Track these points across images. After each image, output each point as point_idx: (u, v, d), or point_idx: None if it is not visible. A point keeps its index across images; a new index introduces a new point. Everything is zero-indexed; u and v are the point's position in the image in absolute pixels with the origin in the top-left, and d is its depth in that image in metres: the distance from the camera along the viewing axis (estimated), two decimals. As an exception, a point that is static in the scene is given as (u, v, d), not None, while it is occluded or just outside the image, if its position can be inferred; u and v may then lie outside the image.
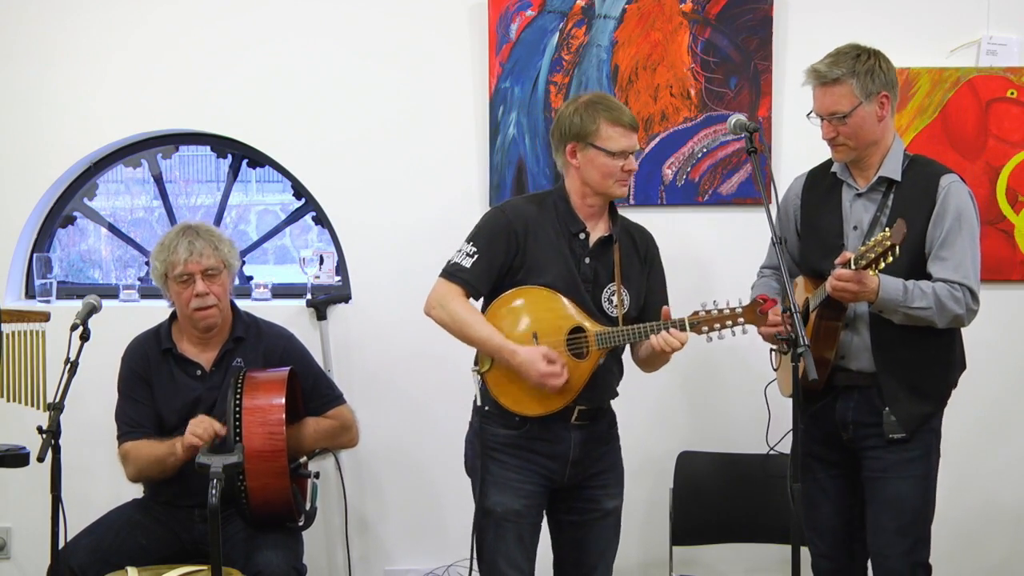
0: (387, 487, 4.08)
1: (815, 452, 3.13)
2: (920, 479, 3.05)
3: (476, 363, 3.09)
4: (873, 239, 2.82)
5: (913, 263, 2.96)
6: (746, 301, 3.01)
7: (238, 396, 3.23)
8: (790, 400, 2.84)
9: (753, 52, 3.91)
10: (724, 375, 4.01)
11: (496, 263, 3.03)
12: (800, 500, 2.75)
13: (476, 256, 3.01)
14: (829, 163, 3.19)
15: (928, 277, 2.98)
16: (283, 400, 3.24)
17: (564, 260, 3.05)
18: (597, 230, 3.11)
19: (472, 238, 3.05)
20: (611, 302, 3.09)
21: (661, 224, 3.98)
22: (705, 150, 3.96)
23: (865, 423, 3.05)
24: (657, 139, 3.96)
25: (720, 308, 3.03)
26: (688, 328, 3.01)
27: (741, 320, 3.05)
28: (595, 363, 3.04)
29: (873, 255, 2.77)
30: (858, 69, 2.99)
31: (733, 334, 3.06)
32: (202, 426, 3.25)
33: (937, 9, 3.91)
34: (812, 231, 3.18)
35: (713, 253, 3.99)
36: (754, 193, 3.93)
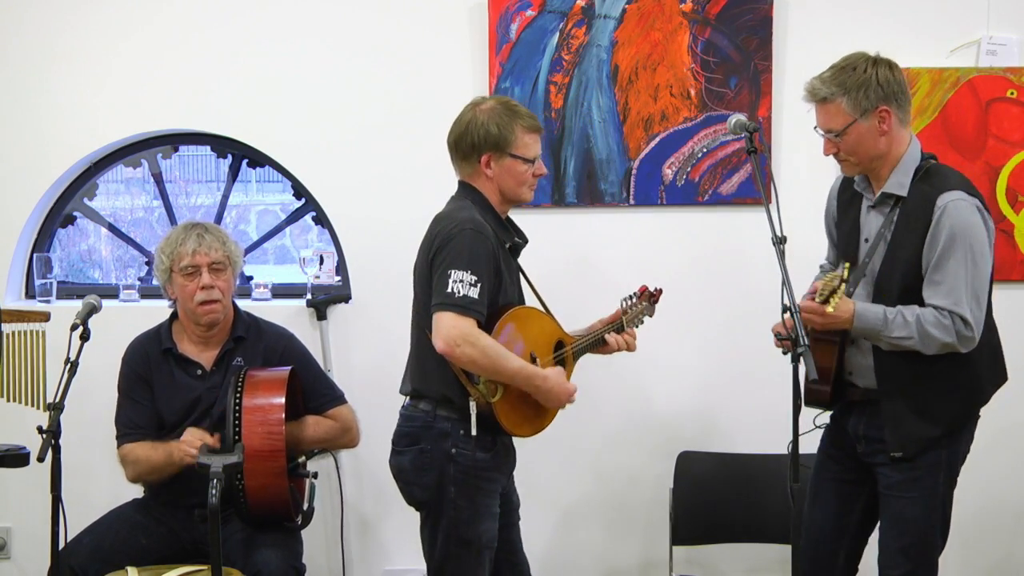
0: (387, 487, 4.05)
1: (832, 453, 3.11)
2: (923, 500, 2.94)
3: (468, 393, 2.89)
4: (828, 275, 2.88)
5: (908, 285, 2.89)
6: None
7: (238, 395, 3.23)
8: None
9: (753, 52, 3.91)
10: (724, 375, 4.00)
11: (490, 287, 2.89)
12: (800, 500, 2.75)
13: (479, 285, 2.83)
14: None
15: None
16: (283, 400, 3.24)
17: (513, 273, 3.05)
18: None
19: (468, 266, 2.83)
20: None
21: (661, 224, 4.01)
22: (705, 150, 3.96)
23: (874, 438, 2.97)
24: (657, 139, 3.96)
25: (633, 303, 3.30)
26: (625, 327, 3.25)
27: (647, 313, 3.35)
28: (570, 374, 3.09)
29: (828, 291, 2.79)
30: (849, 85, 2.87)
31: (638, 326, 3.31)
32: (195, 436, 3.29)
33: (937, 9, 3.90)
34: (838, 237, 3.14)
35: (713, 253, 3.99)
36: (754, 193, 3.93)
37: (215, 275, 3.41)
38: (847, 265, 2.86)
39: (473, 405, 2.87)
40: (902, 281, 2.89)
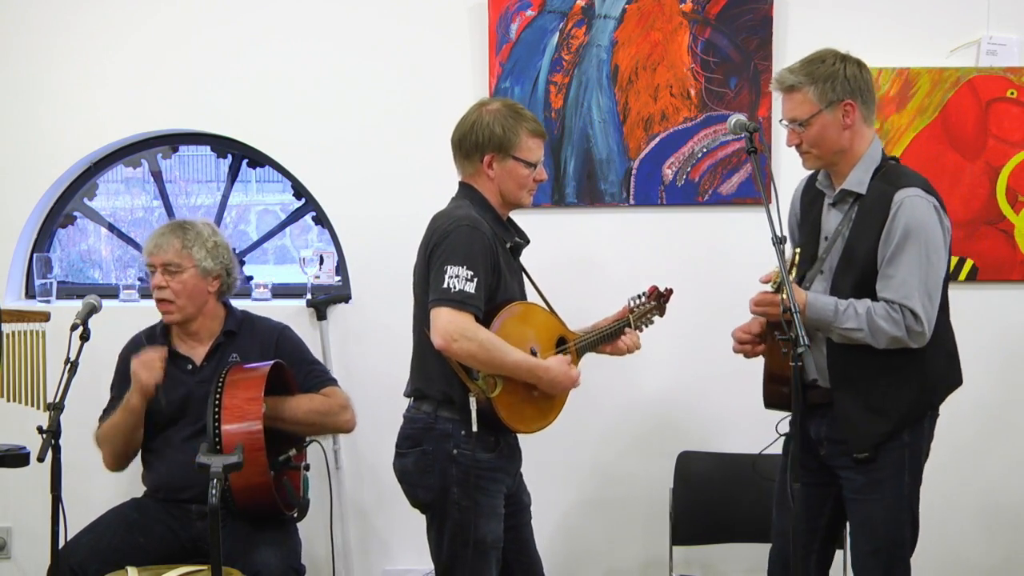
0: (387, 487, 4.06)
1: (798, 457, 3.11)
2: (891, 500, 2.93)
3: (468, 390, 2.87)
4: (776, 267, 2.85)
5: (863, 280, 2.89)
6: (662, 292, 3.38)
7: (218, 394, 3.24)
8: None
9: (753, 52, 3.91)
10: (724, 375, 4.00)
11: (487, 283, 2.90)
12: (800, 500, 2.75)
13: (476, 280, 2.83)
14: None
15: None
16: (261, 396, 3.24)
17: (514, 271, 3.07)
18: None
19: (464, 261, 2.84)
20: None
21: (661, 224, 4.01)
22: (705, 150, 3.96)
23: (835, 440, 2.98)
24: (657, 139, 3.96)
25: (641, 303, 3.30)
26: (633, 325, 3.25)
27: (657, 312, 3.35)
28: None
29: (779, 280, 2.78)
30: (817, 76, 2.91)
31: (647, 326, 3.32)
32: (147, 364, 3.32)
33: (937, 9, 3.90)
34: (801, 237, 3.15)
35: (713, 253, 3.99)
36: (754, 193, 3.93)
37: (169, 276, 3.44)
38: (796, 250, 2.89)
39: (473, 401, 2.87)
40: (857, 276, 2.90)
